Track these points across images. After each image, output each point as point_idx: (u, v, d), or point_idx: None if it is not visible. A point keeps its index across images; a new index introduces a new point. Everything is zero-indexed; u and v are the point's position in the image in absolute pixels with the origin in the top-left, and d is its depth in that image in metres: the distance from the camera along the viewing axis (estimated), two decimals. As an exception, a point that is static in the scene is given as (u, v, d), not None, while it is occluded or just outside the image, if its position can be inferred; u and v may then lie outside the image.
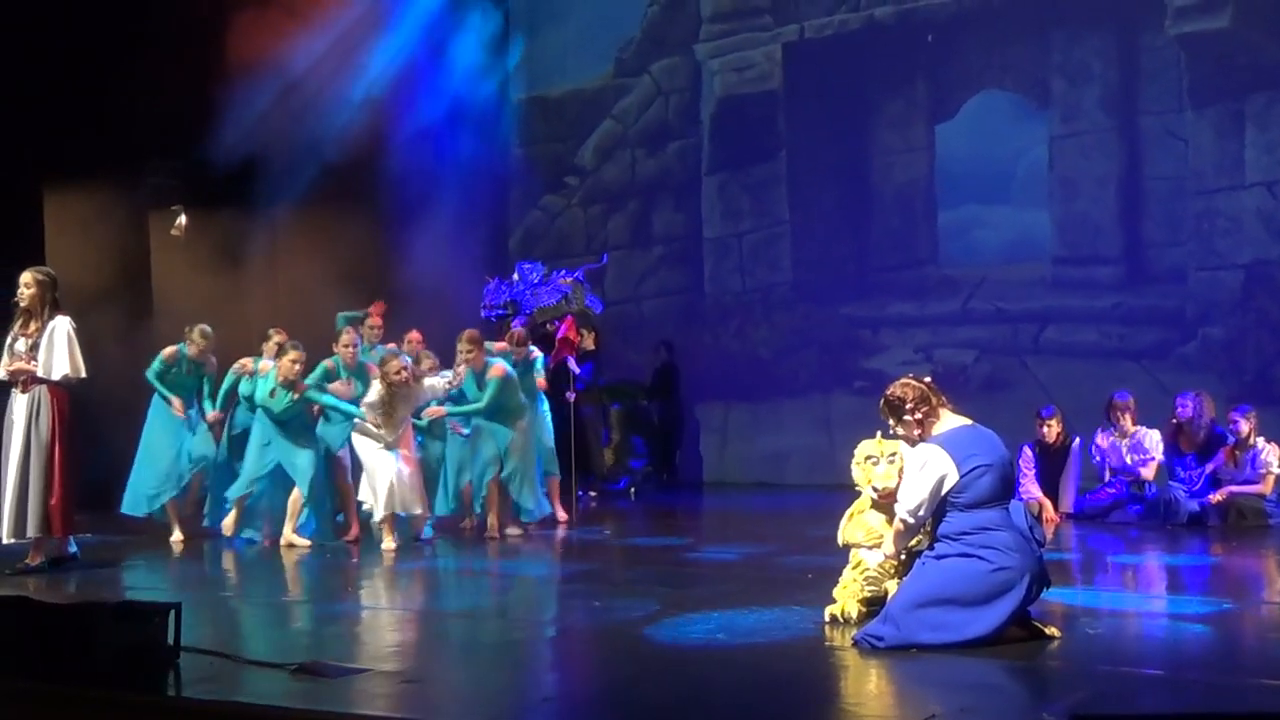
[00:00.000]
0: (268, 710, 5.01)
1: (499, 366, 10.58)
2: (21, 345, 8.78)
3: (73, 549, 9.06)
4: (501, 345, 11.36)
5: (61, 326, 8.76)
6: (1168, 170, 13.67)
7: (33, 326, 8.78)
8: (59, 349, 8.70)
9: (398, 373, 10.05)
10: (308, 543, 10.12)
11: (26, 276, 8.85)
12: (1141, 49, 13.83)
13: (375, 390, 10.14)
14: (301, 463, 10.20)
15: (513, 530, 10.60)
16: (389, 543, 9.86)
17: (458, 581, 8.67)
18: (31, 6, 13.05)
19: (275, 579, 9.11)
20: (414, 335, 11.51)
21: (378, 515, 10.01)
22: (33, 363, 8.73)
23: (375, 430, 10.09)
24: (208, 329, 10.84)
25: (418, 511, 10.20)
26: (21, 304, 8.81)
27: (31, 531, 8.70)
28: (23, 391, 8.77)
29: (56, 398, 8.78)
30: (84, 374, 8.87)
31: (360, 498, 10.27)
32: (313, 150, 14.81)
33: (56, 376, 8.71)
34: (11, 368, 8.80)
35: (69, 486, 8.80)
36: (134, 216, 14.11)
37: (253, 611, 7.81)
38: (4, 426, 8.87)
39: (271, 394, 10.19)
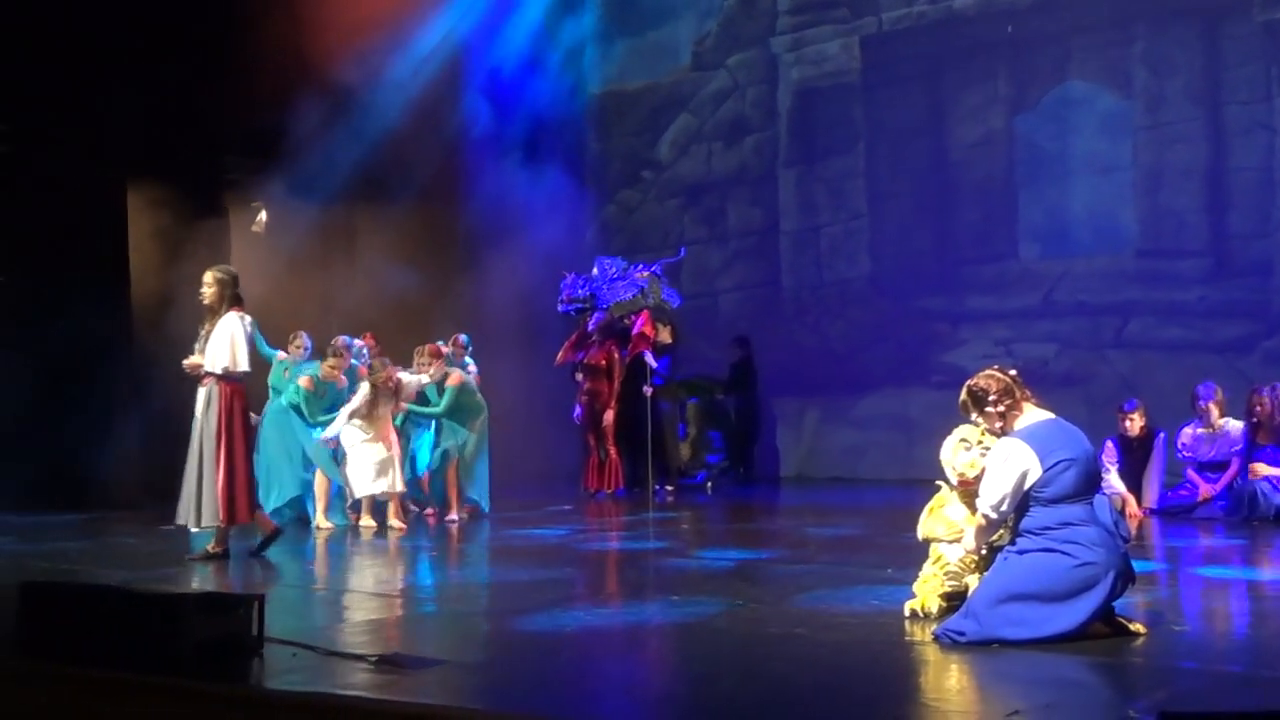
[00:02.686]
0: (350, 701, 5.05)
1: (456, 375, 11.68)
2: (203, 341, 9.17)
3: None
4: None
5: (230, 322, 9.11)
6: (1254, 161, 13.45)
7: (213, 323, 9.15)
8: (222, 343, 9.06)
9: (384, 382, 11.22)
10: (332, 525, 11.17)
11: (207, 276, 9.27)
12: (1226, 37, 13.62)
13: (362, 392, 11.18)
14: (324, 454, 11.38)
15: (459, 514, 11.55)
16: (367, 520, 11.05)
17: (524, 570, 8.68)
18: (113, 6, 13.23)
19: (353, 570, 9.18)
20: (368, 338, 12.35)
21: (358, 494, 11.15)
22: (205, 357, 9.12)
23: (360, 425, 11.17)
24: None
25: (397, 490, 11.19)
26: (205, 302, 9.21)
27: (207, 520, 9.05)
28: (201, 385, 9.15)
29: (225, 390, 9.09)
30: (244, 367, 9.22)
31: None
32: (392, 147, 14.91)
33: (217, 369, 9.06)
34: (189, 363, 9.24)
35: (235, 477, 9.09)
36: (215, 213, 14.29)
37: (334, 602, 7.87)
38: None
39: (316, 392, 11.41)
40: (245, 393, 9.30)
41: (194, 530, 9.24)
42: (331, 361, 11.50)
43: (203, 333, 9.23)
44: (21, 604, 6.08)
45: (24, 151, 13.25)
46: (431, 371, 11.62)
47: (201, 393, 9.12)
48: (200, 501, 9.00)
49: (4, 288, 13.40)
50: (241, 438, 9.18)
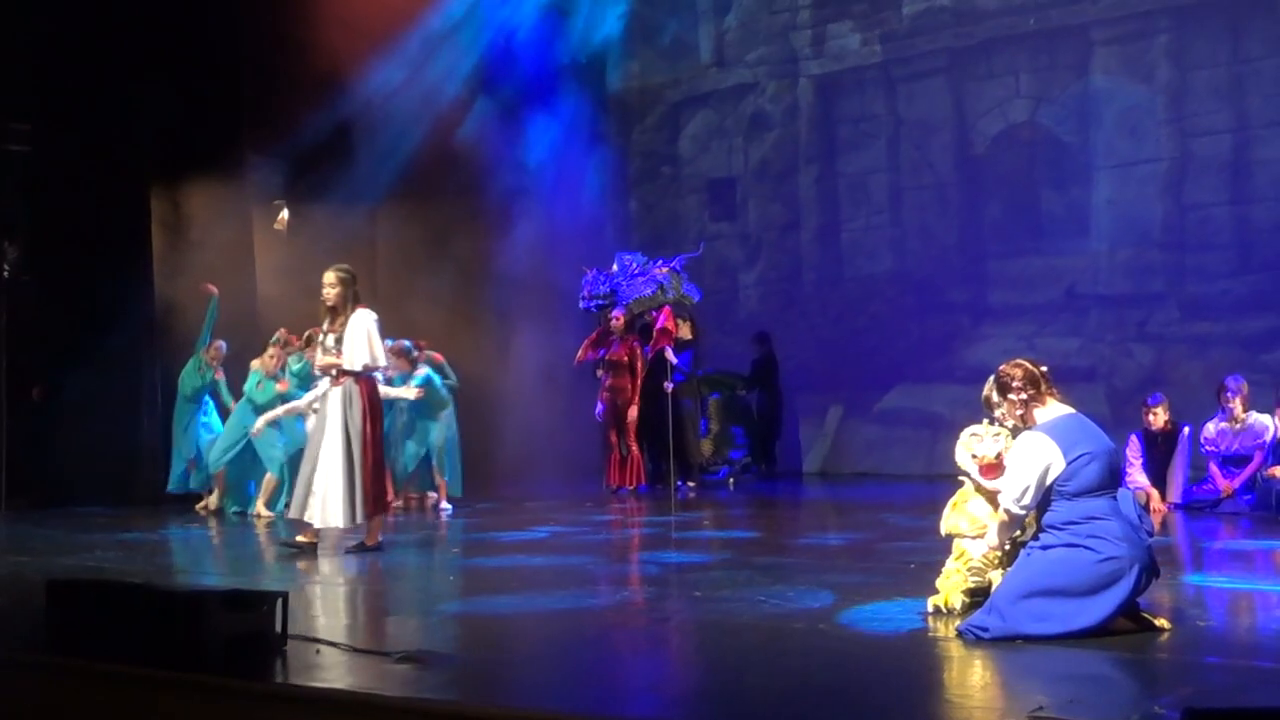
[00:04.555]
0: (373, 698, 5.06)
1: (422, 371, 12.26)
2: (330, 340, 9.26)
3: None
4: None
5: (361, 319, 9.19)
6: (1279, 154, 13.36)
7: (338, 322, 9.22)
8: (359, 341, 9.14)
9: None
10: (272, 514, 11.85)
11: (329, 276, 9.30)
12: (1250, 30, 13.55)
13: (316, 391, 11.42)
14: (276, 448, 11.95)
15: (444, 505, 12.25)
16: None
17: (546, 566, 8.70)
18: (136, 9, 13.28)
19: (374, 566, 9.20)
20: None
21: None
22: (340, 356, 9.17)
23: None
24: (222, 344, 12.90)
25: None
26: (328, 302, 9.26)
27: (360, 517, 9.17)
28: (335, 384, 9.22)
29: (363, 387, 9.22)
30: (382, 363, 9.45)
31: None
32: (412, 143, 14.94)
33: (357, 367, 9.17)
34: (322, 362, 9.34)
35: (379, 471, 9.30)
36: (237, 211, 14.34)
37: (357, 599, 7.89)
38: (316, 416, 9.45)
39: (258, 385, 12.01)
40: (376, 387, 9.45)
41: (340, 527, 9.29)
42: (271, 352, 12.14)
43: (323, 332, 9.32)
44: (48, 601, 6.12)
45: (46, 151, 13.30)
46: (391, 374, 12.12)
47: (337, 392, 9.18)
48: (354, 499, 9.10)
49: (27, 286, 13.47)
50: (380, 435, 9.37)
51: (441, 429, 12.37)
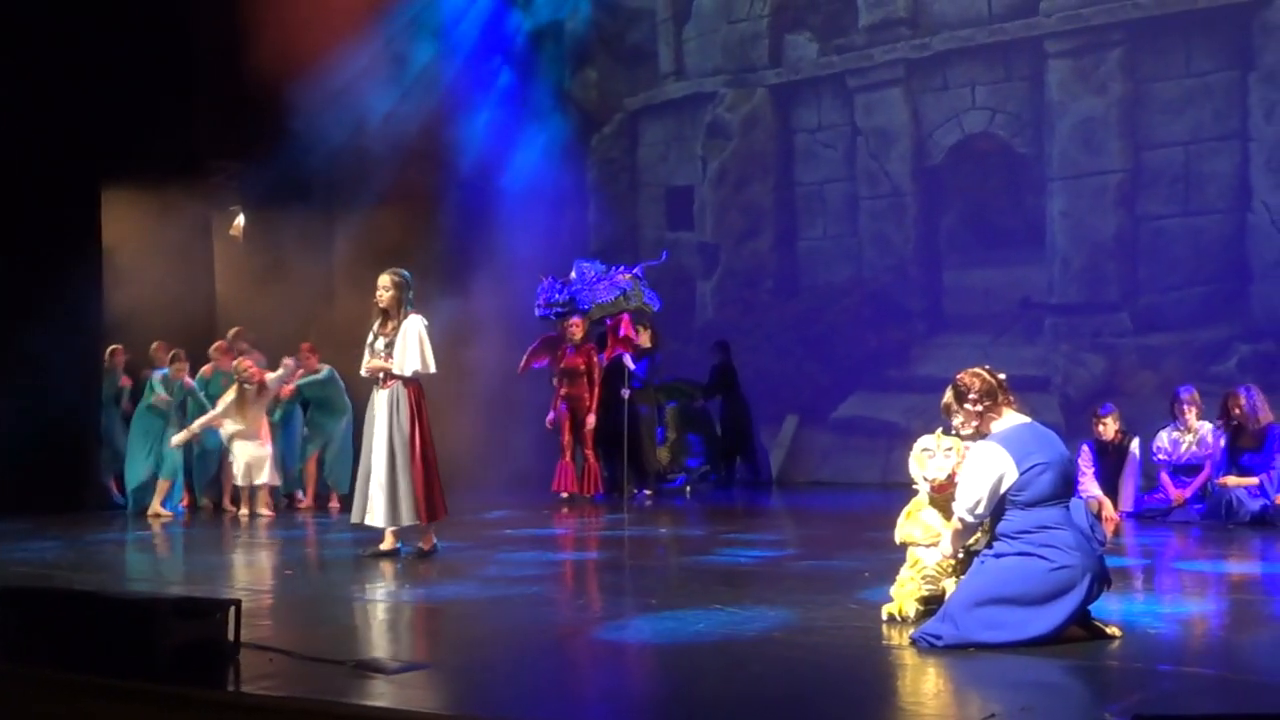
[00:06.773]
0: (327, 706, 5.03)
1: (326, 368, 13.09)
2: (380, 344, 9.25)
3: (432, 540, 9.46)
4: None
5: (413, 325, 9.18)
6: (1229, 166, 13.59)
7: (390, 326, 9.22)
8: (411, 346, 9.12)
9: (246, 371, 12.48)
10: (170, 514, 12.53)
11: (384, 279, 9.29)
12: (1201, 45, 13.71)
13: (231, 392, 12.49)
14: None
15: (309, 501, 13.29)
16: (244, 509, 12.44)
17: (501, 575, 8.68)
18: (93, 10, 13.18)
19: (330, 575, 9.17)
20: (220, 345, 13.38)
21: (239, 481, 12.56)
22: (389, 360, 9.16)
23: (231, 423, 12.47)
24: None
25: (264, 482, 12.57)
26: (380, 305, 9.27)
27: (406, 520, 9.16)
28: (383, 388, 9.22)
29: (412, 393, 9.20)
30: (433, 370, 9.27)
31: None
32: (373, 152, 14.90)
33: (408, 373, 9.14)
34: (371, 365, 9.29)
35: (430, 476, 9.21)
36: (195, 218, 14.24)
37: (311, 607, 7.85)
38: (365, 420, 9.40)
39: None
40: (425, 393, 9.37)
41: (389, 529, 9.24)
42: (178, 365, 12.68)
43: (373, 334, 9.30)
44: (-3, 609, 6.06)
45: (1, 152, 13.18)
46: (291, 367, 13.03)
47: (384, 395, 9.18)
48: (397, 502, 9.10)
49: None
50: (430, 438, 9.28)
51: (340, 430, 13.08)
